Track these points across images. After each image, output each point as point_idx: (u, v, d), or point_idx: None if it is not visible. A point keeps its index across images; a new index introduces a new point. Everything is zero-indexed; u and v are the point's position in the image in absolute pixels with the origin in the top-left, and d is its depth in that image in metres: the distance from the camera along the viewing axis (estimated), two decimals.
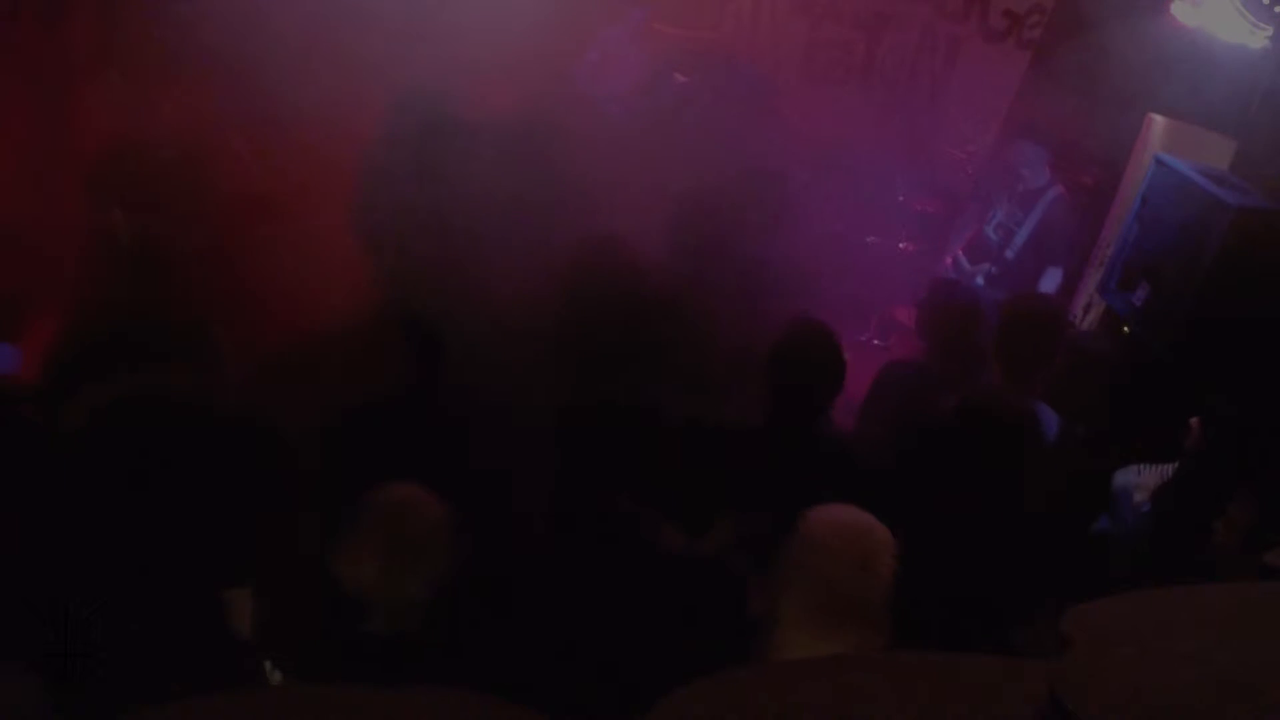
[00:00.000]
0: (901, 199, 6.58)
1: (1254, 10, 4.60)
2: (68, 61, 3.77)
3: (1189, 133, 5.09)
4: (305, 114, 4.05)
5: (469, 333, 2.98)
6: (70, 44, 3.77)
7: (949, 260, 6.07)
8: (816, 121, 6.41)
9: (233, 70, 4.08)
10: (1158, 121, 5.40)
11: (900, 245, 6.42)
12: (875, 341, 6.48)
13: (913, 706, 0.83)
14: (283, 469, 1.44)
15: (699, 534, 2.56)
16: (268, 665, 1.38)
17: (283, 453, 1.45)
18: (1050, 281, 5.42)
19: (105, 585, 1.31)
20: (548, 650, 2.28)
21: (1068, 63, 5.85)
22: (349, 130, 4.10)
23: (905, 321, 6.66)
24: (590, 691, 2.04)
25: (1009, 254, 5.47)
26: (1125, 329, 4.61)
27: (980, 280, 5.54)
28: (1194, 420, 3.26)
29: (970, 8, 6.65)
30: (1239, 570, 2.66)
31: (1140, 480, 3.26)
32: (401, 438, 2.56)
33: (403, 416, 2.66)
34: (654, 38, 6.53)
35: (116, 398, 1.38)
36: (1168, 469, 3.23)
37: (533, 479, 2.70)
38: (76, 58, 3.79)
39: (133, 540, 1.32)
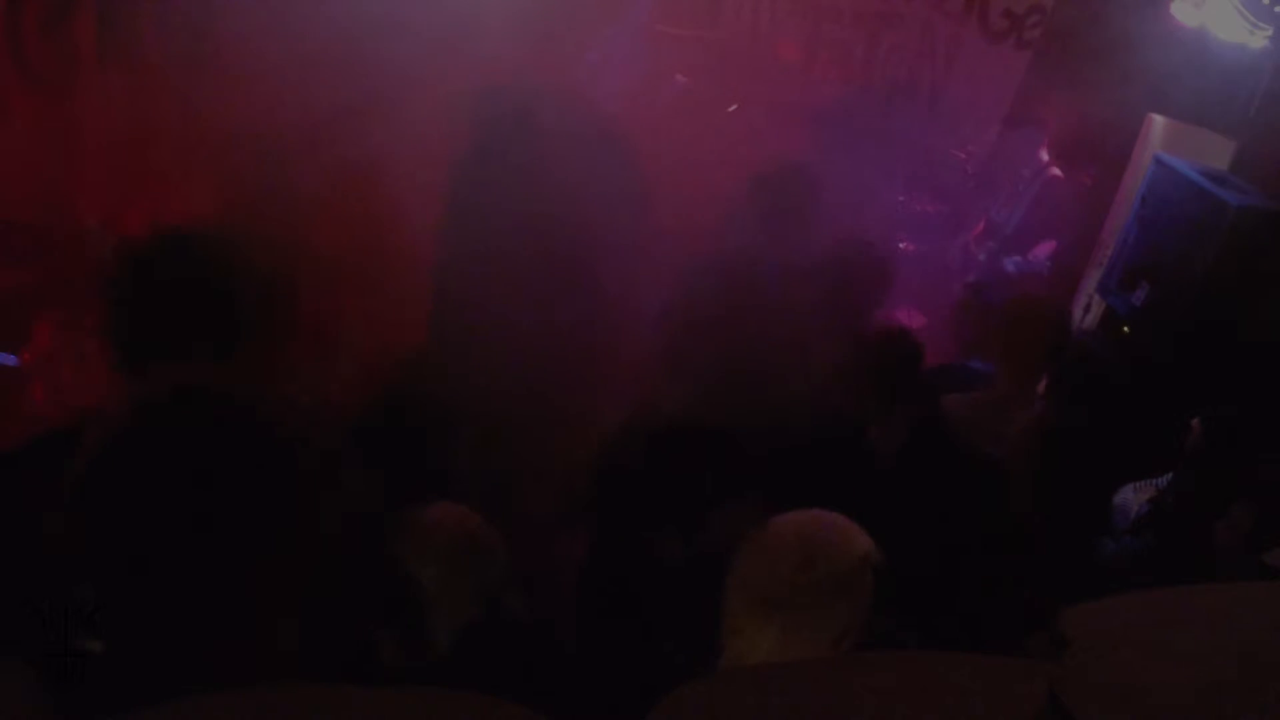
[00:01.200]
0: (901, 199, 6.58)
1: (1254, 10, 4.60)
2: (70, 62, 3.76)
3: (1189, 133, 5.09)
4: (306, 114, 4.04)
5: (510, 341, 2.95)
6: (73, 45, 3.76)
7: (958, 251, 6.16)
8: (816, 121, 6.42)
9: (233, 72, 4.08)
10: (1158, 121, 5.40)
11: (900, 245, 6.43)
12: None
13: (912, 707, 0.83)
14: (308, 473, 1.44)
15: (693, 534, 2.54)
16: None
17: (313, 457, 1.44)
18: (1044, 251, 5.73)
19: (113, 586, 1.31)
20: (546, 652, 2.28)
21: (1068, 63, 5.86)
22: (357, 131, 4.08)
23: (905, 321, 6.66)
24: (588, 692, 2.04)
25: (1008, 230, 5.82)
26: (1125, 329, 4.61)
27: (983, 257, 5.89)
28: (1194, 421, 3.26)
29: (970, 8, 6.66)
30: (1239, 570, 2.66)
31: (1137, 496, 3.27)
32: (432, 440, 2.54)
33: (437, 419, 2.64)
34: (654, 38, 6.53)
35: (151, 399, 1.38)
36: (1163, 481, 3.23)
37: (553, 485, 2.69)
38: (79, 59, 3.78)
39: (146, 540, 1.32)
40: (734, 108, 6.49)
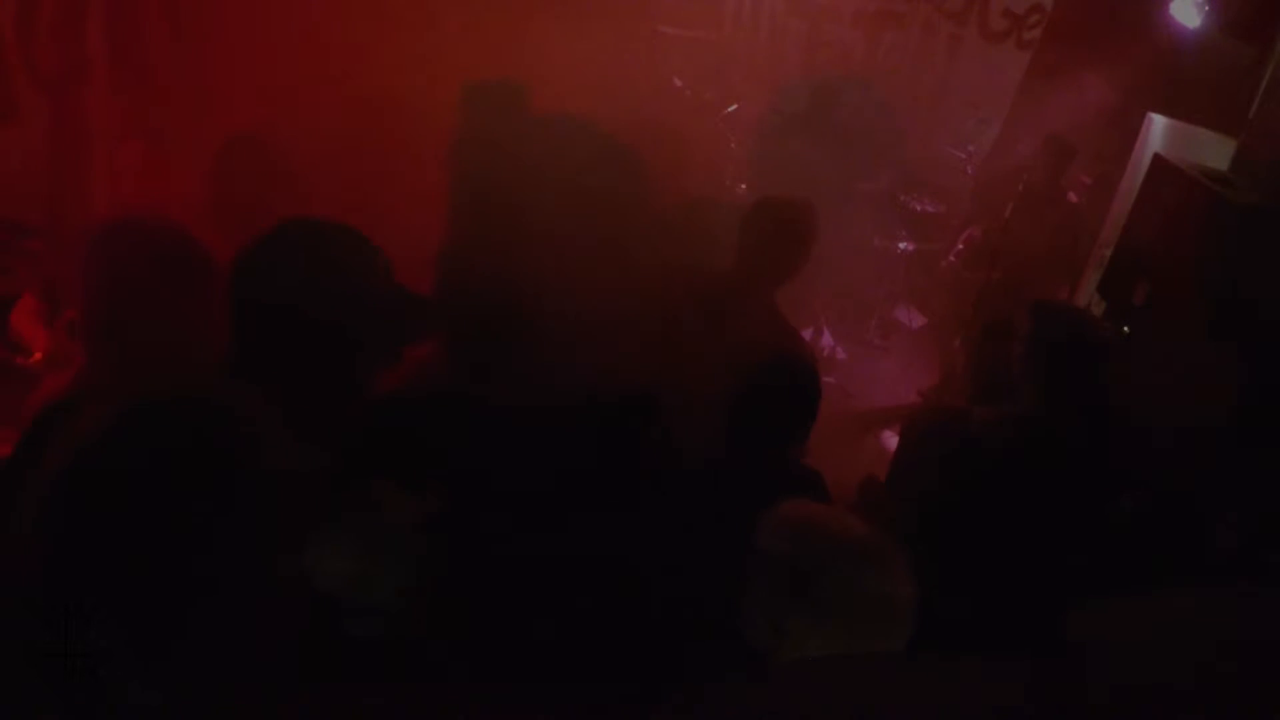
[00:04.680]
0: (901, 199, 6.59)
1: (1253, 10, 4.61)
2: (78, 64, 3.77)
3: (1189, 133, 5.10)
4: (322, 112, 4.04)
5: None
6: (81, 46, 3.77)
7: (950, 259, 6.13)
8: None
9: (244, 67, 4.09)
10: (1158, 121, 5.41)
11: (900, 245, 6.43)
12: (875, 341, 6.49)
13: (913, 707, 0.84)
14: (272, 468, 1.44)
15: None
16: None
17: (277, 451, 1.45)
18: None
19: (103, 587, 1.32)
20: (539, 648, 2.28)
21: (1067, 63, 5.88)
22: (379, 125, 4.09)
23: (905, 321, 6.67)
24: (580, 691, 2.04)
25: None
26: (1125, 329, 4.62)
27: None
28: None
29: (970, 8, 6.67)
30: (1239, 570, 2.67)
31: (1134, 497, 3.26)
32: (433, 430, 2.52)
33: (436, 408, 2.61)
34: (654, 38, 6.54)
35: (127, 403, 1.39)
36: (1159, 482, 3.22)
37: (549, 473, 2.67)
38: (87, 61, 3.79)
39: (138, 542, 1.33)
40: (734, 108, 6.49)
